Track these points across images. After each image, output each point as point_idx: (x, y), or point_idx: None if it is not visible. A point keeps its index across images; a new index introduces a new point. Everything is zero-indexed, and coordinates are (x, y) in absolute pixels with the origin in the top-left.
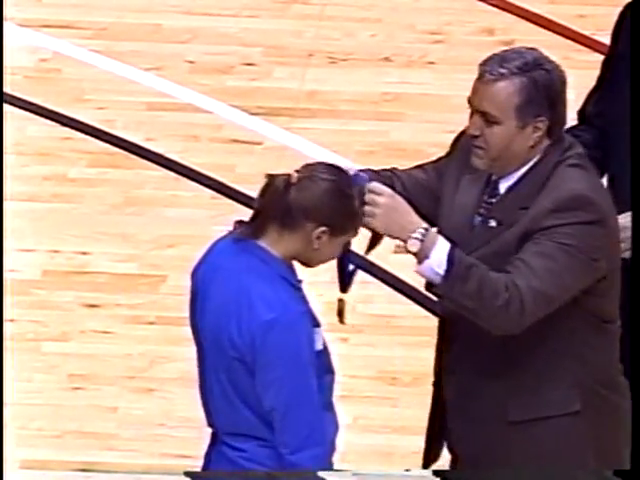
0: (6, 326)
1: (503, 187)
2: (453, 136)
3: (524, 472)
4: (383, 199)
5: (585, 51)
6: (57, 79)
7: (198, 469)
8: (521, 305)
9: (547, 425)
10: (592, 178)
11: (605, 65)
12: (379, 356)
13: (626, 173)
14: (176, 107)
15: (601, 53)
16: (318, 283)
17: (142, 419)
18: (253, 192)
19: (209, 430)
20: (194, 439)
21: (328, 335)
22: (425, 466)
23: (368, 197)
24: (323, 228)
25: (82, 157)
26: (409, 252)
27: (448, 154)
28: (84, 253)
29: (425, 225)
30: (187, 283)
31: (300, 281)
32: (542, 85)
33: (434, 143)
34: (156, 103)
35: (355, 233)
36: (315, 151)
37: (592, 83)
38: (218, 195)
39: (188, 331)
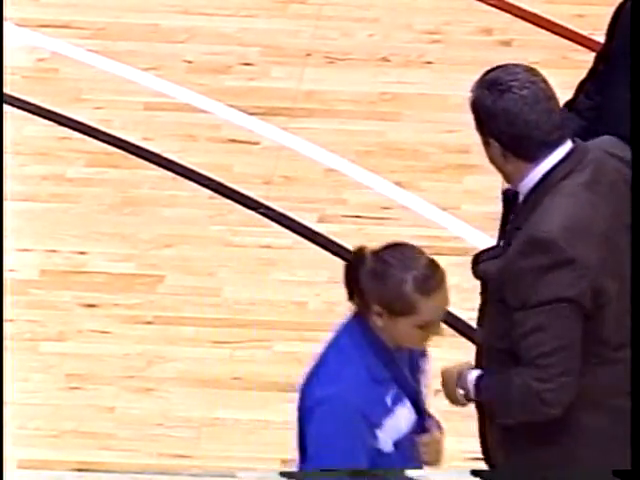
0: (5, 326)
1: (519, 200)
2: (451, 136)
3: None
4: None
5: (583, 51)
6: (55, 79)
7: (195, 469)
8: (540, 401)
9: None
10: (578, 212)
11: (599, 58)
12: None
13: None
14: (174, 107)
15: None
16: (316, 283)
17: (140, 419)
18: (251, 192)
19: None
20: (192, 439)
21: (325, 335)
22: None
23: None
24: (378, 308)
25: (80, 157)
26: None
27: None
28: (82, 253)
29: (459, 371)
30: (185, 283)
31: (385, 377)
32: (480, 106)
33: (432, 143)
34: (154, 103)
35: (422, 315)
36: (313, 151)
37: None
38: (216, 195)
39: (186, 331)
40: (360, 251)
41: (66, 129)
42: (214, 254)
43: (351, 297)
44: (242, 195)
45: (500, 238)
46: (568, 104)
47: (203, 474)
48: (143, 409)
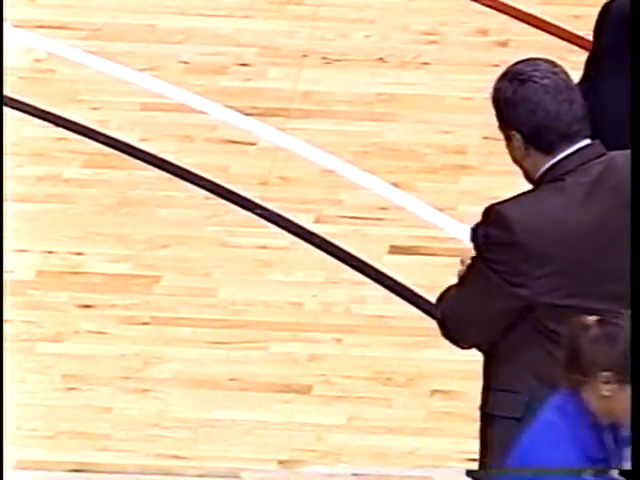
0: (6, 327)
1: None
2: (448, 137)
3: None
4: None
5: (579, 52)
6: (51, 80)
7: (192, 470)
8: (441, 325)
9: (498, 423)
10: (556, 209)
11: (589, 62)
12: (373, 356)
13: None
14: (170, 107)
15: None
16: (312, 284)
17: (136, 419)
18: (247, 192)
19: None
20: (188, 439)
21: (322, 335)
22: None
23: None
24: (607, 375)
25: (76, 157)
26: None
27: None
28: (78, 253)
29: None
30: (181, 283)
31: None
32: (503, 98)
33: (428, 143)
34: (150, 103)
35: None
36: (309, 152)
37: None
38: (212, 195)
39: (182, 331)
40: (580, 322)
41: (62, 130)
42: (210, 255)
43: (568, 373)
44: (238, 196)
45: None
46: None
47: (203, 474)
48: (140, 410)
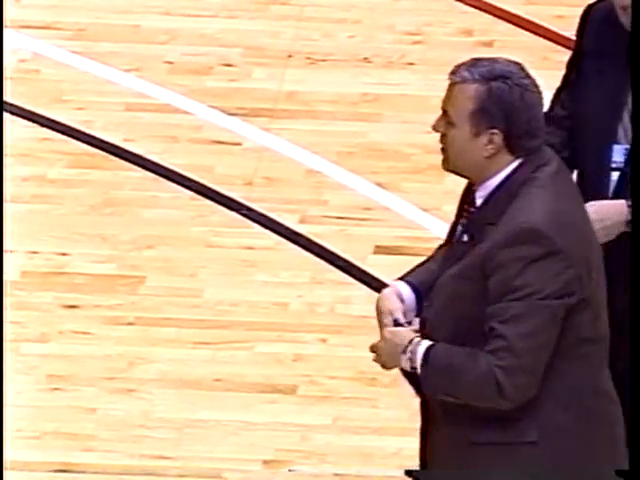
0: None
1: (478, 197)
2: (433, 137)
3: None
4: (379, 341)
5: (564, 52)
6: (36, 80)
7: (176, 470)
8: (498, 388)
9: (506, 451)
10: (556, 203)
11: (570, 64)
12: (358, 357)
13: (595, 168)
14: (155, 108)
15: None
16: (297, 284)
17: (121, 420)
18: (232, 193)
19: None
20: (173, 440)
21: (307, 335)
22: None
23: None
24: None
25: (61, 158)
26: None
27: None
28: (63, 254)
29: (410, 338)
30: (166, 284)
31: None
32: (497, 97)
33: (413, 144)
34: (135, 104)
35: None
36: (294, 152)
37: None
38: (197, 196)
39: (167, 332)
40: None
41: (47, 130)
42: (195, 255)
43: None
44: (223, 196)
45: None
46: (546, 116)
47: (185, 475)
48: (124, 410)
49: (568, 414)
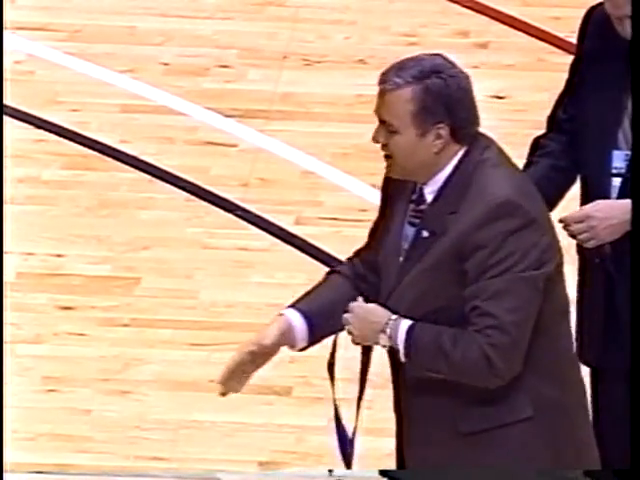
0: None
1: (428, 193)
2: None
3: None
4: (351, 316)
5: (559, 53)
6: (31, 81)
7: (172, 471)
8: (489, 365)
9: (500, 434)
10: (515, 177)
11: (573, 68)
12: (353, 358)
13: (597, 174)
14: (150, 109)
15: (574, 55)
16: (293, 285)
17: (116, 421)
18: (228, 194)
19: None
20: (168, 441)
21: None
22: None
23: (343, 317)
24: None
25: (56, 159)
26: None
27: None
28: (58, 255)
29: (388, 316)
30: (161, 285)
31: None
32: (436, 92)
33: None
34: (130, 105)
35: None
36: (290, 153)
37: None
38: (193, 197)
39: (162, 333)
40: None
41: (42, 131)
42: (191, 256)
43: None
44: (219, 197)
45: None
46: (548, 119)
47: (180, 476)
48: (119, 412)
49: (554, 387)
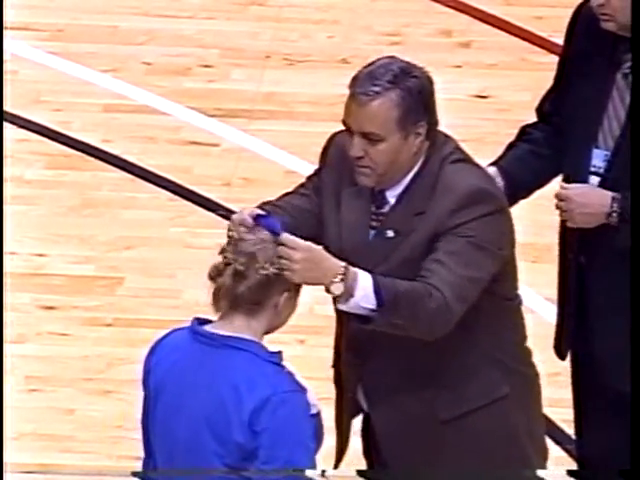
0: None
1: (391, 196)
2: None
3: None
4: (299, 254)
5: (541, 52)
6: (14, 81)
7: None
8: (447, 307)
9: (479, 416)
10: (478, 170)
11: (560, 65)
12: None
13: (575, 171)
14: (133, 109)
15: (557, 55)
16: None
17: (99, 421)
18: (211, 194)
19: None
20: None
21: (285, 336)
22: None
23: (283, 251)
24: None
25: (39, 159)
26: (334, 295)
27: (319, 170)
28: (41, 255)
29: (343, 264)
30: (144, 285)
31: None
32: (417, 92)
33: None
34: (113, 105)
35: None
36: (272, 153)
37: (548, 84)
38: (176, 197)
39: (146, 333)
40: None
41: (25, 131)
42: (174, 256)
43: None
44: (202, 197)
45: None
46: (536, 110)
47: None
48: (103, 411)
49: (521, 363)
